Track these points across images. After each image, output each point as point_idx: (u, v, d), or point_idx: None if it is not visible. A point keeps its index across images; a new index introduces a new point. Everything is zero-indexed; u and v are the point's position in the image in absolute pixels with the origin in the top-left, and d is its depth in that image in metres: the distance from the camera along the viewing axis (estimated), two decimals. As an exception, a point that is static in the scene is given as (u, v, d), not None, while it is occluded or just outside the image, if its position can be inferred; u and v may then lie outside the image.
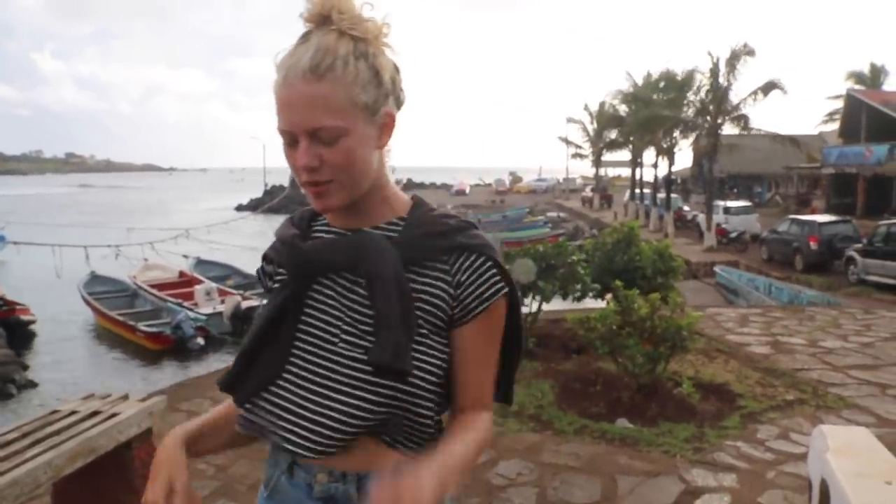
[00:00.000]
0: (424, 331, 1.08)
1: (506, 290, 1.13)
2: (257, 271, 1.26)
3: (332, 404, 1.06)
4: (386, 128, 1.10)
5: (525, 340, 1.22)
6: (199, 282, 17.09)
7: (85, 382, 10.80)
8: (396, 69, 1.11)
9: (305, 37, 1.05)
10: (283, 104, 1.04)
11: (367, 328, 1.08)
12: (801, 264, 18.19)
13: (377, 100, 1.07)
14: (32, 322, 15.17)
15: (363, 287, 1.09)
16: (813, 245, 18.00)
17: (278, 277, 1.18)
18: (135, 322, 14.15)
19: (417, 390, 1.06)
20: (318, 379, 1.08)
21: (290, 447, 1.08)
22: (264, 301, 1.26)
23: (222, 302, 15.48)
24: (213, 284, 16.84)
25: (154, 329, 13.75)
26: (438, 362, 1.09)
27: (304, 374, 1.09)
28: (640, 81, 31.55)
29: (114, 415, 3.19)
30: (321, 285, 1.12)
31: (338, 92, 1.02)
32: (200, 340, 13.59)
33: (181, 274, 18.53)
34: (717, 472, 3.79)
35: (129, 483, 3.21)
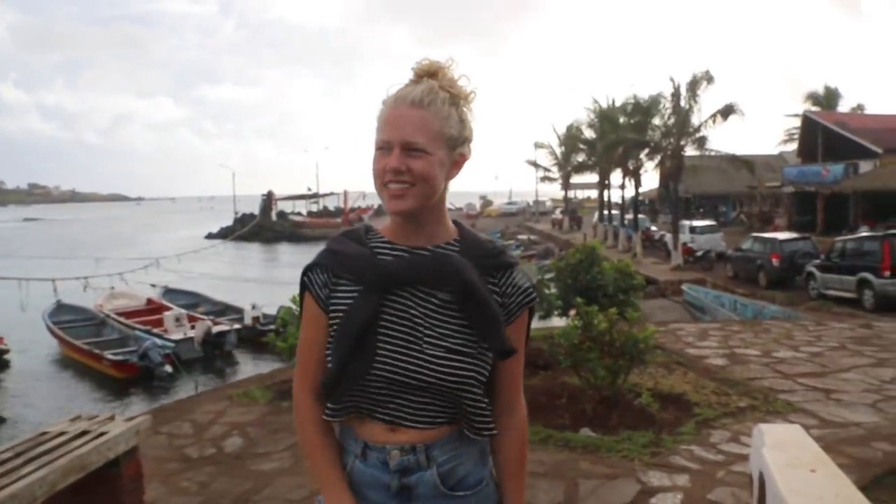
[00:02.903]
0: None
1: (536, 298, 1.47)
2: (305, 279, 1.43)
3: (418, 399, 1.35)
4: (457, 165, 1.39)
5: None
6: (168, 309, 17.05)
7: (54, 415, 10.76)
8: (472, 129, 1.42)
9: (414, 83, 1.36)
10: (388, 121, 1.33)
11: (445, 331, 1.34)
12: (764, 281, 18.72)
13: (457, 139, 1.37)
14: (6, 351, 15.04)
15: (438, 297, 1.35)
16: (775, 262, 18.56)
17: (345, 288, 1.38)
18: (101, 351, 14.06)
19: (482, 379, 1.37)
20: (408, 374, 1.33)
21: (390, 423, 1.37)
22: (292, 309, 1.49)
23: (192, 328, 15.49)
24: (183, 311, 16.81)
25: (120, 357, 13.68)
26: (490, 356, 1.39)
27: (394, 369, 1.33)
28: (605, 106, 32.37)
29: (101, 434, 3.36)
30: (396, 296, 1.36)
31: (433, 122, 1.33)
32: (168, 368, 13.54)
33: (149, 301, 18.47)
34: (671, 474, 4.06)
35: (117, 498, 3.38)
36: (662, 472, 4.09)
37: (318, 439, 1.43)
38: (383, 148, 1.33)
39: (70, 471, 3.03)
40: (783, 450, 3.14)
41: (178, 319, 15.92)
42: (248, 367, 14.48)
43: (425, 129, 1.31)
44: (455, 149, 1.37)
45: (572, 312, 5.82)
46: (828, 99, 40.09)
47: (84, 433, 3.37)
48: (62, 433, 3.38)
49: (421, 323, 1.35)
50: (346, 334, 1.34)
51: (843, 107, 39.51)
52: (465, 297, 1.34)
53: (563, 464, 4.23)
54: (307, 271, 1.43)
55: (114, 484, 3.37)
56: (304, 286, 1.43)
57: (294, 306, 6.02)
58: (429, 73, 1.37)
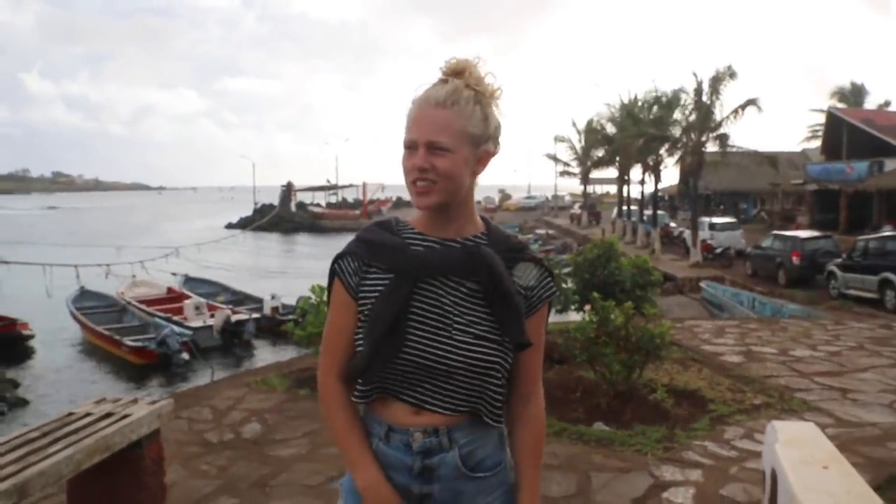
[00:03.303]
0: None
1: (557, 293, 1.54)
2: (335, 266, 1.48)
3: (445, 384, 1.41)
4: (482, 161, 1.45)
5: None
6: (188, 297, 17.28)
7: (74, 399, 10.94)
8: (499, 125, 1.47)
9: (442, 82, 1.42)
10: (415, 121, 1.39)
11: (473, 318, 1.41)
12: (784, 279, 18.54)
13: (481, 137, 1.42)
14: (31, 337, 15.31)
15: (466, 286, 1.42)
16: (795, 260, 18.37)
17: (379, 276, 1.44)
18: (120, 337, 14.28)
19: (506, 365, 1.43)
20: (438, 358, 1.39)
21: (417, 406, 1.42)
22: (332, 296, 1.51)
23: (212, 316, 15.68)
24: (202, 299, 17.02)
25: (139, 344, 13.88)
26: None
27: (424, 353, 1.39)
28: (626, 101, 32.18)
29: (125, 416, 3.46)
30: (427, 284, 1.42)
31: (455, 121, 1.38)
32: (185, 355, 13.72)
33: (170, 290, 18.74)
34: (684, 469, 4.08)
35: (139, 479, 3.47)
36: (675, 466, 4.12)
37: (346, 420, 1.47)
38: (410, 147, 1.39)
39: (95, 451, 3.12)
40: (796, 447, 3.16)
41: (197, 308, 16.14)
42: (267, 355, 14.66)
43: (448, 129, 1.37)
44: (479, 146, 1.42)
45: (588, 307, 5.84)
46: (854, 95, 39.57)
47: (108, 415, 3.46)
48: (88, 414, 3.47)
49: (451, 311, 1.41)
50: (380, 320, 1.39)
51: (870, 103, 39.01)
52: (492, 288, 1.40)
53: (577, 457, 4.27)
54: (338, 259, 1.49)
55: (136, 465, 3.46)
56: (333, 273, 1.49)
57: (313, 296, 6.09)
58: (455, 73, 1.42)
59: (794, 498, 2.63)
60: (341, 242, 1.55)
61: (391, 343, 1.39)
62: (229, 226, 52.68)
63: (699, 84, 23.89)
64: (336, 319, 1.49)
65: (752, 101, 22.90)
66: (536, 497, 1.52)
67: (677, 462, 4.19)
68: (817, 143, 37.17)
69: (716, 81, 23.24)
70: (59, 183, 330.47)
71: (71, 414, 3.49)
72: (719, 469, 4.09)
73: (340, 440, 1.47)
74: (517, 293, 1.42)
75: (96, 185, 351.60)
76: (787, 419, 4.94)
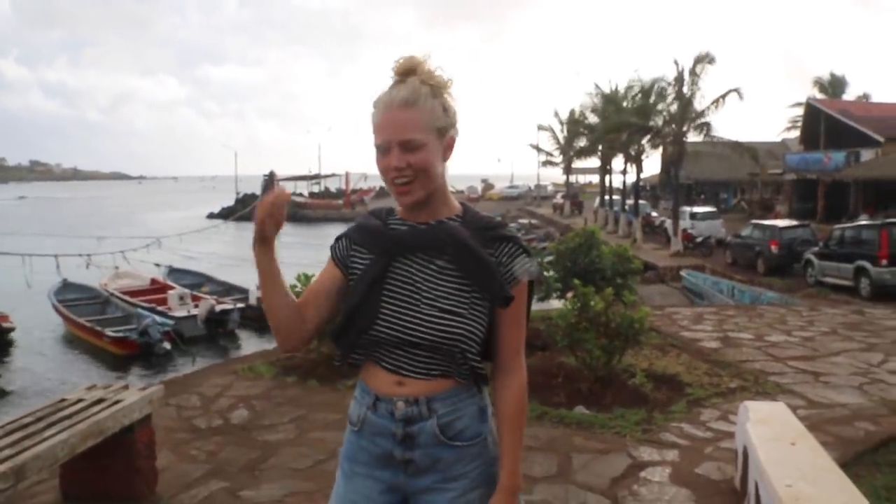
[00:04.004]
0: (478, 296, 1.52)
1: (532, 268, 1.61)
2: (332, 247, 1.66)
3: (418, 351, 1.52)
4: (448, 148, 1.56)
5: (529, 312, 1.68)
6: (172, 288, 17.21)
7: (55, 391, 10.90)
8: (455, 111, 1.58)
9: (397, 83, 1.52)
10: (383, 124, 1.50)
11: (440, 293, 1.51)
12: (763, 267, 18.80)
13: (445, 127, 1.54)
14: (12, 329, 15.15)
15: (436, 263, 1.53)
16: (774, 249, 18.62)
17: (363, 255, 1.60)
18: (102, 328, 14.22)
19: (473, 338, 1.51)
20: (406, 330, 1.51)
21: (394, 372, 1.54)
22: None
23: (196, 306, 15.65)
24: (187, 290, 16.96)
25: (120, 334, 13.84)
26: (484, 318, 1.54)
27: (395, 325, 1.51)
28: (608, 91, 32.33)
29: (117, 402, 3.53)
30: (400, 262, 1.56)
31: (422, 117, 1.49)
32: (167, 345, 13.69)
33: (153, 281, 18.63)
34: (661, 449, 4.23)
35: (131, 463, 3.55)
36: (653, 447, 4.26)
37: None
38: (383, 149, 1.50)
39: (89, 435, 3.20)
40: (767, 425, 3.31)
41: (181, 298, 16.08)
42: (253, 344, 14.66)
43: (417, 126, 1.48)
44: (444, 135, 1.54)
45: (570, 294, 5.96)
46: (833, 87, 40.00)
47: (100, 401, 3.53)
48: (80, 400, 3.54)
49: (422, 287, 1.53)
50: (356, 291, 1.56)
51: (850, 95, 39.45)
52: (461, 256, 1.51)
53: (558, 439, 4.40)
54: (335, 240, 1.68)
55: (129, 449, 3.54)
56: (331, 251, 1.68)
57: (299, 285, 6.17)
58: (408, 70, 1.52)
59: (764, 472, 2.78)
60: (324, 232, 1.68)
61: (365, 315, 1.53)
62: (211, 216, 52.33)
63: (680, 73, 24.07)
64: (320, 275, 1.68)
65: (733, 90, 23.13)
66: (516, 462, 1.58)
67: (655, 443, 4.33)
68: (797, 133, 37.59)
69: (696, 63, 23.37)
70: (37, 172, 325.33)
71: (63, 400, 3.56)
72: (695, 449, 4.24)
73: None
74: (489, 258, 1.52)
75: (75, 175, 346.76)
76: (761, 401, 5.11)
